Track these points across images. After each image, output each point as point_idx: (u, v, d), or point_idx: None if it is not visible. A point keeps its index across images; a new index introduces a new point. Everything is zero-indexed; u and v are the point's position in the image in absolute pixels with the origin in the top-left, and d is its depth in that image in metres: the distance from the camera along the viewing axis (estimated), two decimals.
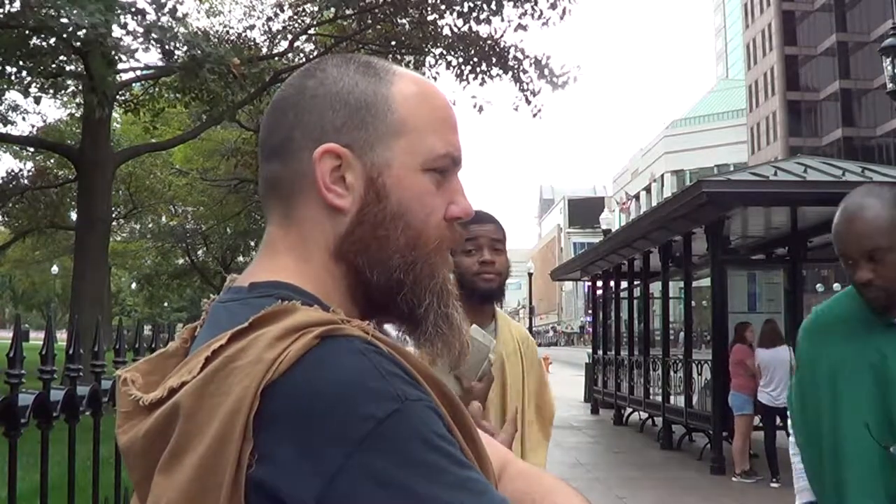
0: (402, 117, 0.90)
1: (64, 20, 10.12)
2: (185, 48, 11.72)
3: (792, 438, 2.39)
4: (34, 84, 15.91)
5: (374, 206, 0.89)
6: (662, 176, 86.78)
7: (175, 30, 11.83)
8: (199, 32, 13.77)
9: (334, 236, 0.90)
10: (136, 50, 11.35)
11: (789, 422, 2.39)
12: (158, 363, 0.89)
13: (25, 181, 26.52)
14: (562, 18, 17.08)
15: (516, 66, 17.32)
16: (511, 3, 16.71)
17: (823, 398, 2.16)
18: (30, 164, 29.25)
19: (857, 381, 2.09)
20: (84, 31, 10.35)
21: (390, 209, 0.89)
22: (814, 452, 2.21)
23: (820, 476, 2.19)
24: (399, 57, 17.72)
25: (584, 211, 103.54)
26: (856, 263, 2.05)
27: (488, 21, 16.93)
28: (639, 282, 15.90)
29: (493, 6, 16.47)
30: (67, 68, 16.31)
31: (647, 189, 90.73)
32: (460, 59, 17.67)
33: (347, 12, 17.23)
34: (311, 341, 0.77)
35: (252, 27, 21.17)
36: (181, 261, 39.50)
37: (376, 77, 0.92)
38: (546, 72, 17.15)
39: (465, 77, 17.72)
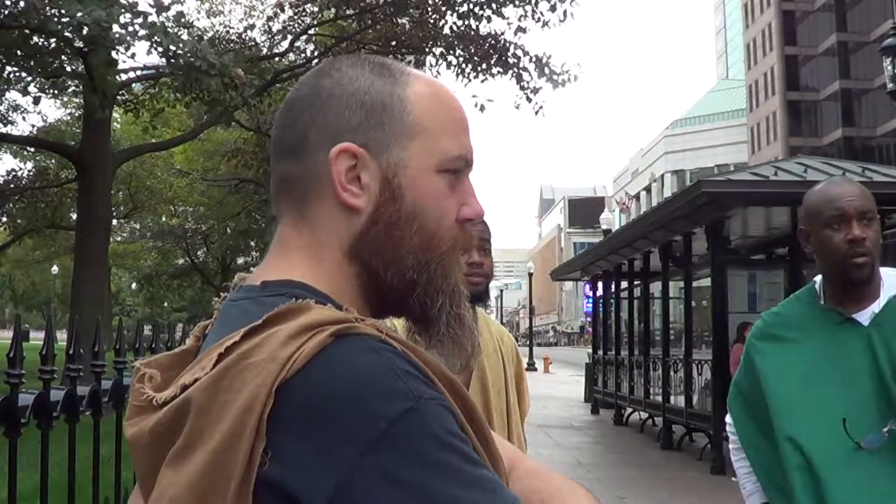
0: (417, 118, 0.91)
1: (66, 18, 10.08)
2: (188, 55, 11.64)
3: (733, 445, 2.35)
4: (34, 84, 15.90)
5: (389, 207, 0.89)
6: (662, 176, 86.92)
7: (178, 34, 11.76)
8: (204, 39, 13.71)
9: (348, 236, 0.90)
10: (137, 41, 11.23)
11: (729, 427, 2.34)
12: (178, 359, 0.90)
13: (25, 181, 26.51)
14: (562, 21, 17.03)
15: (516, 64, 17.30)
16: (511, 5, 16.68)
17: (786, 402, 2.10)
18: (30, 164, 29.23)
19: (826, 380, 2.06)
20: (87, 28, 10.31)
21: (405, 209, 0.89)
22: (766, 457, 2.17)
23: (776, 478, 2.14)
24: (399, 57, 17.69)
25: (584, 211, 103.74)
26: (849, 223, 2.05)
27: (489, 19, 16.93)
28: (639, 282, 15.90)
29: (493, 6, 16.46)
30: (67, 68, 16.29)
31: (647, 189, 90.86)
32: (461, 59, 17.66)
33: (348, 12, 17.22)
34: (326, 340, 0.77)
35: (252, 27, 21.18)
36: (181, 261, 39.55)
37: (392, 78, 0.92)
38: (546, 70, 17.12)
39: (465, 75, 17.71)
